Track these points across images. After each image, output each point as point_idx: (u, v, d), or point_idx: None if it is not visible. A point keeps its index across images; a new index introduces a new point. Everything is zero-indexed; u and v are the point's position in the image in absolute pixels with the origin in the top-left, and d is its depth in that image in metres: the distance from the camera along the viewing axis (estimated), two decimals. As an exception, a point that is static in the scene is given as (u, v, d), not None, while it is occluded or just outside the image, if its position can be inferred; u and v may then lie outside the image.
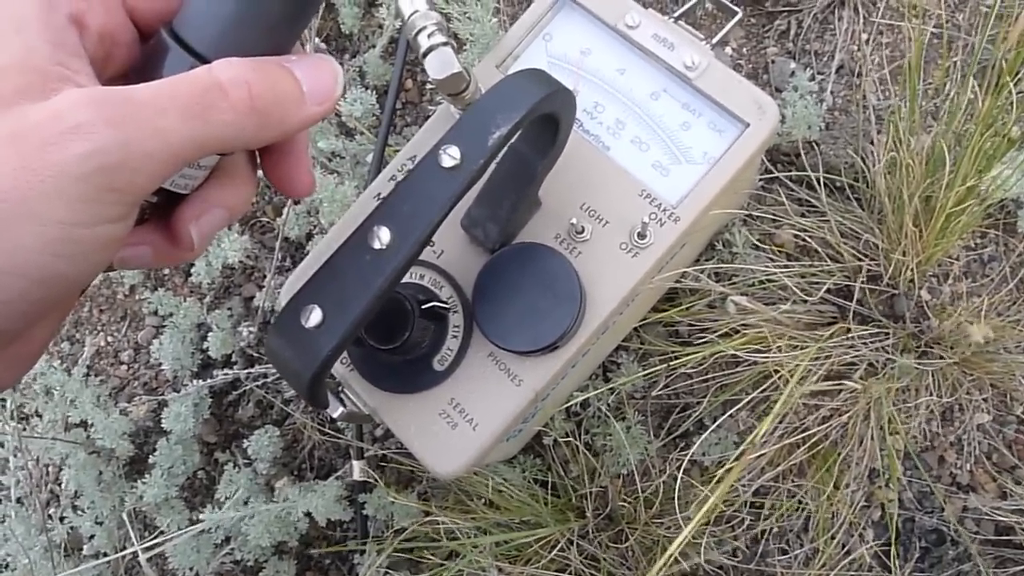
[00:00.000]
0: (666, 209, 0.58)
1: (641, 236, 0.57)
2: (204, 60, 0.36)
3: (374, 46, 0.89)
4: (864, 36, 0.76)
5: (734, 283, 0.70)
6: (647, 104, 0.61)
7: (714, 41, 0.62)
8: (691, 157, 0.60)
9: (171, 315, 0.89)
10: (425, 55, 0.55)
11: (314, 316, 0.43)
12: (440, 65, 0.54)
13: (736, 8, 0.64)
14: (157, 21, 0.38)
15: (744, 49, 0.81)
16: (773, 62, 0.79)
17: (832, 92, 0.76)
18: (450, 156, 0.45)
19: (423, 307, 0.56)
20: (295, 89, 0.37)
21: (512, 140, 0.47)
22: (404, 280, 0.57)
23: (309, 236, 0.85)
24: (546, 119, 0.50)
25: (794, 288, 0.62)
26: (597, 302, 0.57)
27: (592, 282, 0.58)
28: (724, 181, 0.58)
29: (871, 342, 0.67)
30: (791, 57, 0.79)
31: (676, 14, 0.64)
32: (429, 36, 0.55)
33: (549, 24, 0.65)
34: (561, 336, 0.55)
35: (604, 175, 0.60)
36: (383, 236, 0.44)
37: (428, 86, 0.91)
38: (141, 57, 0.39)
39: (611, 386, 0.73)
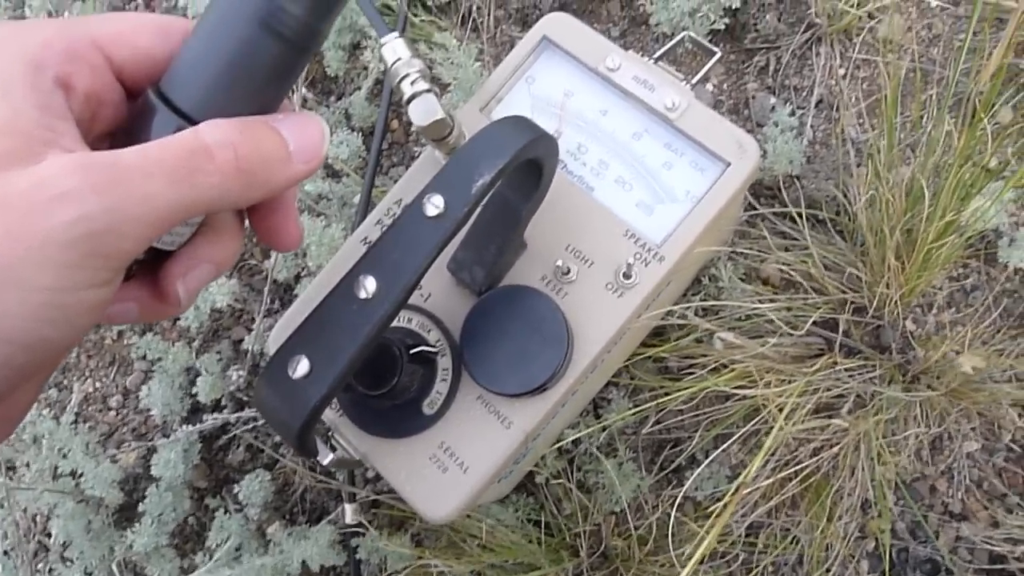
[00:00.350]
0: (651, 249, 0.58)
1: (627, 276, 0.58)
2: (191, 120, 0.36)
3: (359, 88, 0.89)
4: (841, 71, 0.78)
5: (721, 317, 0.70)
6: (630, 144, 0.62)
7: (694, 81, 0.63)
8: (674, 196, 0.60)
9: (159, 360, 0.89)
10: (408, 102, 0.56)
11: (301, 366, 0.44)
12: (423, 112, 0.55)
13: (715, 48, 0.65)
14: (145, 81, 0.38)
15: (725, 85, 0.82)
16: (754, 97, 0.80)
17: (812, 126, 0.78)
18: (434, 205, 0.45)
19: (411, 352, 0.56)
20: (281, 149, 0.37)
21: (496, 186, 0.48)
22: (392, 324, 0.57)
23: (297, 278, 0.85)
24: (530, 164, 0.51)
25: (780, 323, 0.62)
26: (585, 343, 0.57)
27: (579, 323, 0.58)
28: (707, 219, 0.58)
29: (858, 374, 0.68)
30: (771, 92, 0.80)
31: (656, 55, 0.65)
32: (412, 83, 0.56)
33: (532, 67, 0.66)
34: (550, 378, 0.55)
35: (588, 216, 0.60)
36: (369, 285, 0.44)
37: (414, 128, 0.92)
38: (128, 117, 0.39)
39: (602, 424, 0.73)
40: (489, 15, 0.86)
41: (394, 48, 0.57)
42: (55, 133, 0.33)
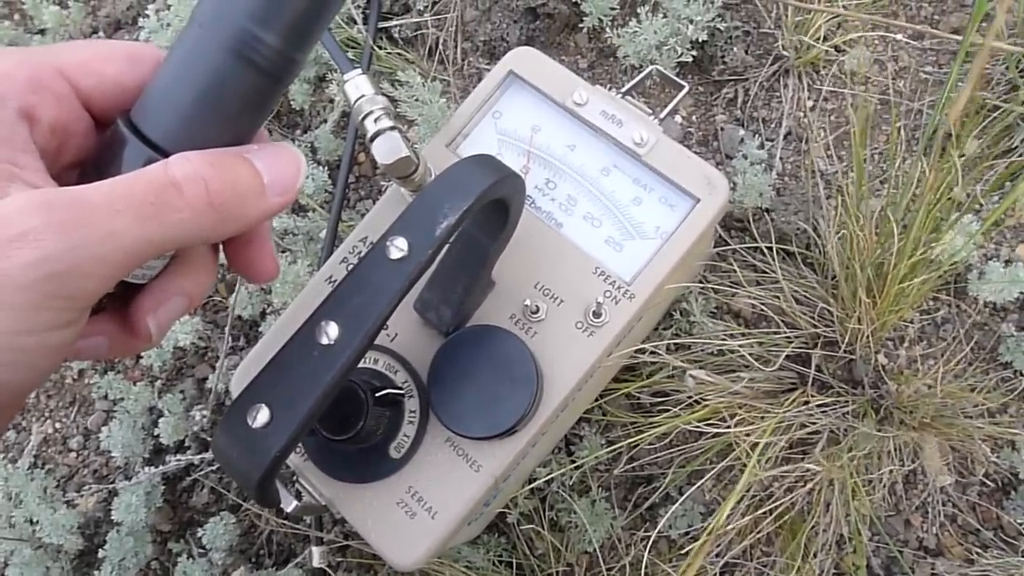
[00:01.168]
0: (620, 287, 0.58)
1: (596, 315, 0.57)
2: (163, 152, 0.35)
3: (325, 121, 0.89)
4: (809, 103, 0.78)
5: (693, 353, 0.70)
6: (598, 180, 0.62)
7: (662, 115, 0.63)
8: (644, 232, 0.60)
9: (121, 400, 0.87)
10: (372, 140, 0.55)
11: (261, 415, 0.42)
12: (387, 151, 0.54)
13: (682, 82, 0.65)
14: (114, 110, 0.37)
15: (694, 117, 0.82)
16: (723, 129, 0.80)
17: (781, 158, 0.78)
18: (397, 248, 0.44)
19: (377, 395, 0.55)
20: (255, 182, 0.36)
21: (461, 227, 0.47)
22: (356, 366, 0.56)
23: (263, 315, 0.84)
24: (495, 204, 0.50)
25: (750, 359, 0.62)
26: (554, 383, 0.57)
27: (549, 362, 0.57)
28: (677, 256, 0.58)
29: (831, 410, 0.67)
30: (740, 124, 0.80)
31: (624, 89, 0.65)
32: (376, 121, 0.55)
33: (498, 102, 0.65)
34: (519, 420, 0.54)
35: (557, 253, 0.59)
36: (331, 331, 0.43)
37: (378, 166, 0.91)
38: (97, 148, 0.37)
39: (575, 465, 0.72)
40: (456, 47, 0.86)
41: (357, 85, 0.56)
42: (17, 167, 0.31)
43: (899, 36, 0.78)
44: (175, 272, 0.39)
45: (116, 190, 0.31)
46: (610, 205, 0.61)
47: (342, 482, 0.58)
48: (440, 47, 0.87)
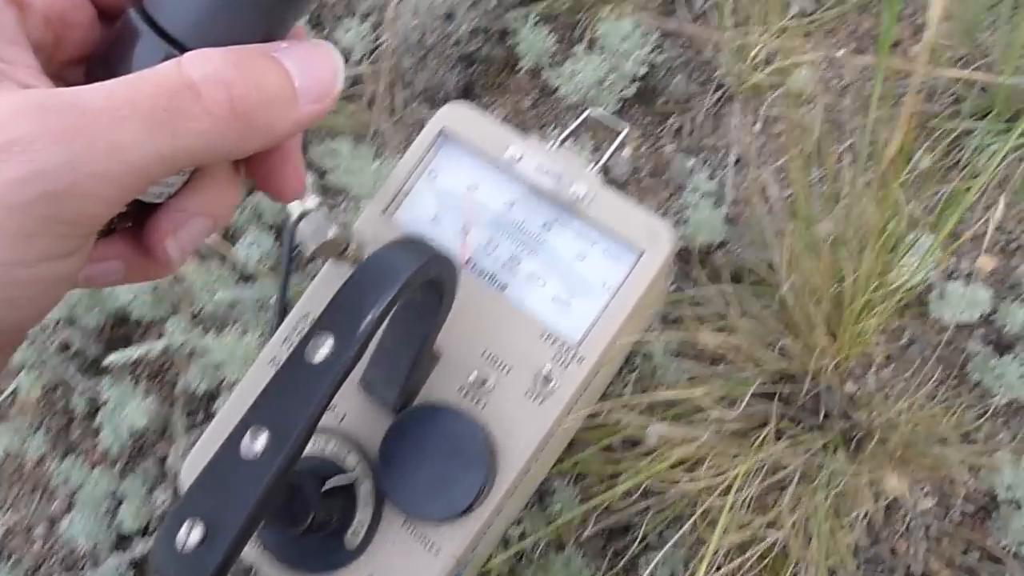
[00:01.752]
0: (569, 349, 0.56)
1: (546, 381, 0.55)
2: (183, 48, 0.29)
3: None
4: (756, 127, 0.77)
5: (658, 394, 0.68)
6: (540, 236, 0.60)
7: (600, 163, 0.61)
8: (590, 288, 0.58)
9: (81, 487, 0.84)
10: (297, 222, 0.53)
11: (195, 533, 0.40)
12: (312, 233, 0.52)
13: (621, 125, 0.64)
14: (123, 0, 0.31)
15: (643, 148, 0.81)
16: (671, 160, 0.79)
17: (733, 186, 0.76)
18: (321, 347, 0.42)
19: (323, 489, 0.53)
20: (285, 86, 0.30)
21: (392, 311, 0.45)
22: (304, 453, 0.54)
23: (218, 388, 0.81)
24: (427, 285, 0.48)
25: (714, 403, 0.60)
26: (508, 456, 0.55)
27: (501, 435, 0.55)
28: (625, 312, 0.56)
29: (802, 445, 0.66)
30: (689, 154, 0.79)
31: (561, 138, 0.63)
32: (300, 200, 0.54)
33: (432, 161, 0.63)
34: (474, 499, 0.53)
35: (503, 318, 0.58)
36: (259, 441, 0.41)
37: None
38: (103, 43, 0.32)
39: (550, 525, 0.70)
40: (393, 98, 0.84)
41: (280, 164, 0.54)
42: (4, 62, 0.27)
43: (840, 53, 0.77)
44: (196, 189, 0.33)
45: (120, 93, 0.26)
46: (554, 262, 0.59)
47: (302, 573, 0.56)
48: (379, 97, 0.85)
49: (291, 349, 0.43)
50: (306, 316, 0.61)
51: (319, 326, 0.43)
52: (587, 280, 0.58)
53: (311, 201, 0.54)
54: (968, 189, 0.67)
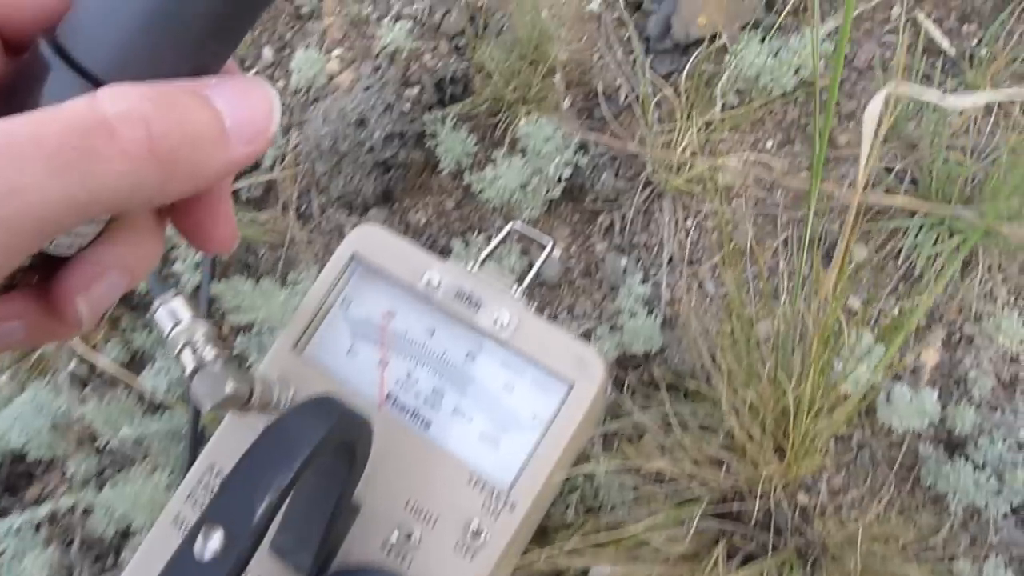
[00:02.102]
0: (500, 495, 0.51)
1: (476, 534, 0.51)
2: (98, 83, 0.26)
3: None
4: (689, 222, 0.74)
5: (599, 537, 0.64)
6: (463, 367, 0.56)
7: (523, 286, 0.58)
8: (520, 422, 0.54)
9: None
10: (192, 376, 0.48)
11: None
12: (207, 392, 0.47)
13: (545, 239, 0.60)
14: (32, 28, 0.28)
15: (573, 247, 0.78)
16: (604, 260, 0.75)
17: (668, 286, 0.73)
18: (211, 544, 0.37)
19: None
20: (213, 124, 0.27)
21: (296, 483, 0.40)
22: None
23: (125, 534, 0.75)
24: (338, 447, 0.43)
25: (661, 537, 0.56)
26: (439, 618, 0.50)
27: (431, 594, 0.50)
28: (559, 450, 0.52)
29: (755, 567, 0.62)
30: (621, 252, 0.75)
31: (482, 256, 0.60)
32: (194, 353, 0.49)
33: (345, 289, 0.59)
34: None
35: (427, 461, 0.53)
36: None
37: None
38: (10, 76, 0.28)
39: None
40: (312, 203, 0.80)
41: (171, 310, 0.50)
42: None
43: (769, 143, 0.75)
44: (112, 239, 0.30)
45: (23, 129, 0.23)
46: (479, 395, 0.55)
47: None
48: (291, 204, 0.81)
49: (184, 531, 0.39)
50: (211, 467, 0.56)
51: (208, 517, 0.38)
52: (516, 414, 0.54)
53: (207, 351, 0.49)
54: (916, 307, 0.65)
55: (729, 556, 0.66)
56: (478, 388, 0.55)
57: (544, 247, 0.60)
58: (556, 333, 0.54)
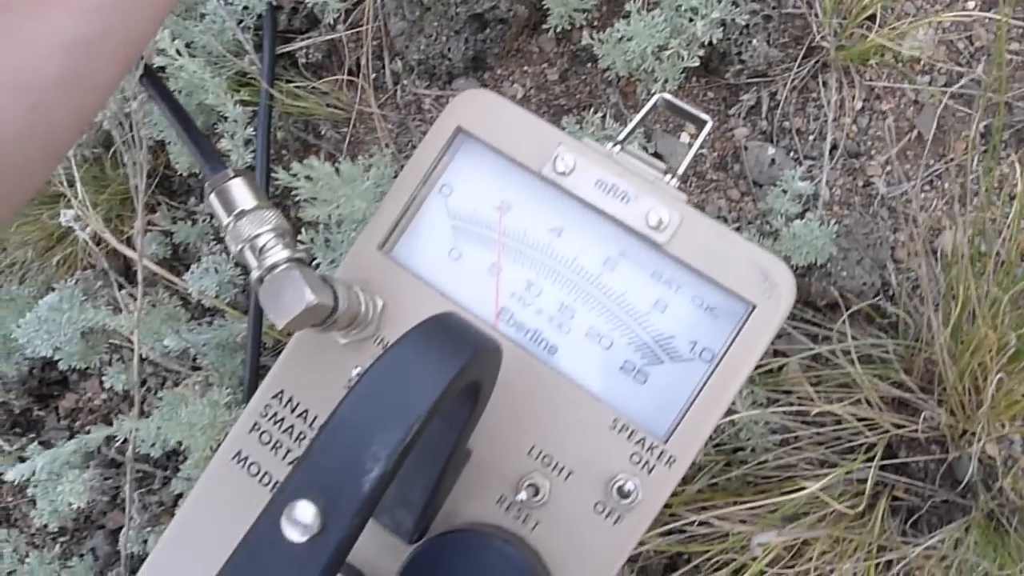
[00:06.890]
0: (653, 446, 0.41)
1: (623, 493, 0.40)
2: None
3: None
4: (858, 105, 0.60)
5: (747, 469, 0.53)
6: (601, 276, 0.44)
7: (679, 173, 0.45)
8: (676, 352, 0.43)
9: (12, 573, 0.69)
10: (260, 282, 0.37)
11: None
12: (283, 301, 0.36)
13: (704, 116, 0.47)
14: None
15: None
16: (746, 148, 0.62)
17: (828, 182, 0.60)
18: (300, 522, 0.27)
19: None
20: None
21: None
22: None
23: (171, 456, 0.66)
24: (465, 388, 0.33)
25: (834, 497, 0.46)
26: (572, 596, 0.40)
27: (560, 565, 0.40)
28: (730, 393, 0.41)
29: (929, 528, 0.51)
30: (768, 140, 0.62)
31: (622, 136, 0.47)
32: (261, 252, 0.38)
33: (446, 171, 0.47)
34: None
35: (554, 397, 0.42)
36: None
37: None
38: None
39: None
40: (384, 69, 0.67)
41: (230, 196, 0.39)
42: None
43: (971, 3, 0.60)
44: None
45: None
46: (622, 313, 0.43)
47: None
48: (362, 71, 0.68)
49: (266, 509, 0.28)
50: (280, 395, 0.46)
51: (298, 486, 0.28)
52: (671, 340, 0.43)
53: (278, 252, 0.38)
54: None
55: (893, 513, 0.55)
56: (620, 306, 0.44)
57: (702, 122, 0.48)
58: (731, 237, 0.42)
